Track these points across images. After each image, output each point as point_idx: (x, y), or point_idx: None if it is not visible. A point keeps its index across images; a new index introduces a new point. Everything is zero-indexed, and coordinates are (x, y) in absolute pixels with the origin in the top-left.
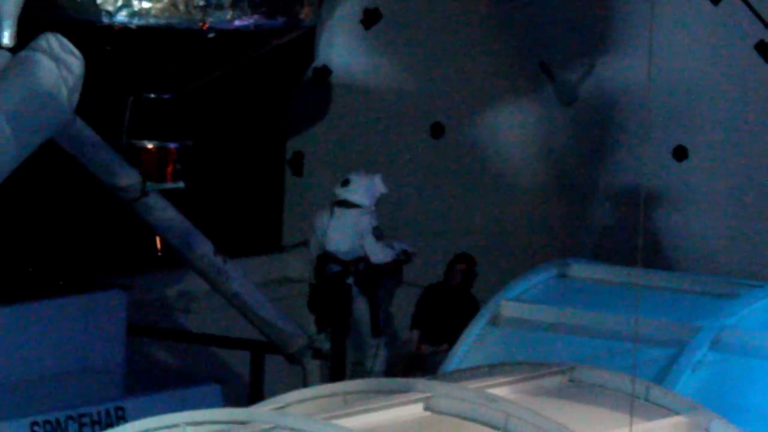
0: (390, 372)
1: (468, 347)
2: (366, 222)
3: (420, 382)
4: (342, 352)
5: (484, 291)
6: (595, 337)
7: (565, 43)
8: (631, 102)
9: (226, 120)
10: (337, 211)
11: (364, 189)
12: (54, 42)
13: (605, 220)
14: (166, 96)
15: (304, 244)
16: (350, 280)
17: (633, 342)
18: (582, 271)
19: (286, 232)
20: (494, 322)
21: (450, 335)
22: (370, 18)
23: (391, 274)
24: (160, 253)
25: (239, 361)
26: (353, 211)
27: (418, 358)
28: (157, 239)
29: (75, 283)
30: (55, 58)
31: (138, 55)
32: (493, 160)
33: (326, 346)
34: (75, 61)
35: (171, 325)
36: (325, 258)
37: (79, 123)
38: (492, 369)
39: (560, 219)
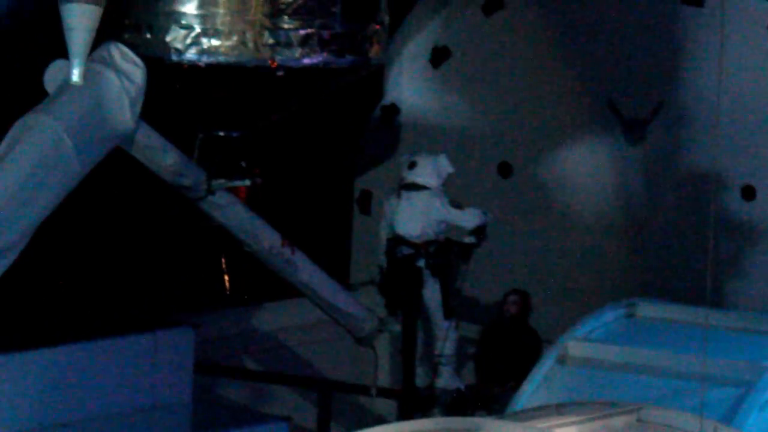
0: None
1: (536, 386)
2: (437, 203)
3: (488, 422)
4: (413, 335)
5: (552, 330)
6: (662, 376)
7: (634, 81)
8: (699, 140)
9: (294, 158)
10: (406, 194)
11: (430, 170)
12: (115, 52)
13: (673, 259)
14: (235, 134)
15: (372, 282)
16: (421, 263)
17: (701, 382)
18: (649, 310)
19: (354, 270)
20: (562, 361)
21: (514, 371)
22: (438, 56)
23: (461, 256)
24: (228, 292)
25: (307, 398)
26: (422, 194)
27: (485, 398)
28: (226, 277)
29: (143, 320)
30: (117, 69)
31: (207, 93)
32: (562, 199)
33: (397, 329)
34: (137, 70)
35: (239, 363)
36: (396, 241)
37: (144, 127)
38: (560, 408)
39: (629, 258)
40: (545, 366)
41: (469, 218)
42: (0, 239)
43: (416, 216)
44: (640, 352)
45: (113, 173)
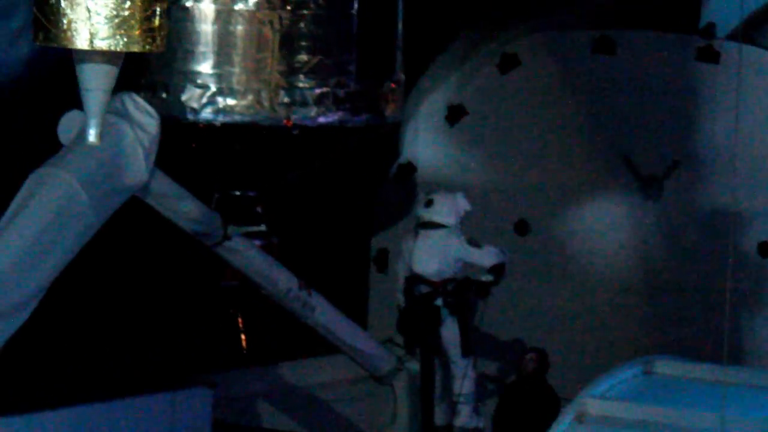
0: None
1: None
2: (455, 241)
3: None
4: (431, 373)
5: (570, 388)
6: None
7: (650, 137)
8: (715, 196)
9: (311, 217)
10: (423, 232)
11: (448, 208)
12: (129, 102)
13: (690, 316)
14: (251, 193)
15: (390, 341)
16: (439, 302)
17: None
18: (667, 367)
19: (372, 329)
20: (580, 419)
21: (532, 429)
22: (454, 114)
23: (479, 294)
24: (245, 351)
25: None
26: (439, 232)
27: None
28: (242, 337)
29: (160, 380)
30: (131, 120)
31: (223, 152)
32: (579, 256)
33: (415, 368)
34: (151, 120)
35: (256, 423)
36: (413, 280)
37: (159, 175)
38: None
39: (646, 314)
40: (563, 424)
41: (486, 256)
42: (15, 295)
43: (434, 254)
44: (658, 410)
45: (129, 227)
